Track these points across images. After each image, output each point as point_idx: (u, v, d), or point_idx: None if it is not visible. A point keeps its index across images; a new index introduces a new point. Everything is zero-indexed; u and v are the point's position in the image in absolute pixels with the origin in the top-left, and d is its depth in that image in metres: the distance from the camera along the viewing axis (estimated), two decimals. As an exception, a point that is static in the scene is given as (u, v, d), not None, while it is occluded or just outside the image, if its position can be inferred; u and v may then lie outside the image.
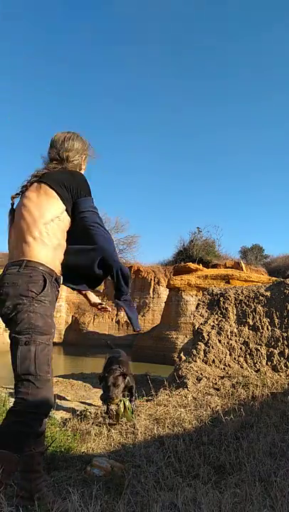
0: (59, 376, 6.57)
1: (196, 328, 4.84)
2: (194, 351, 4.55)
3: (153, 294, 23.00)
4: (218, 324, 4.71)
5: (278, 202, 60.59)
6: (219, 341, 4.56)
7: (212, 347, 4.51)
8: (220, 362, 4.41)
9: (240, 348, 4.48)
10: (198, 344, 4.58)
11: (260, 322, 4.55)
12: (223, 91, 67.65)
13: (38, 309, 1.83)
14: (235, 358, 4.43)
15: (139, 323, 2.30)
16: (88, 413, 3.42)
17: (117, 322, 22.65)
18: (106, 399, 3.21)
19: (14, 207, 2.10)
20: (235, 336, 4.58)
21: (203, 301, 5.08)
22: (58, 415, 3.46)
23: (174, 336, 17.51)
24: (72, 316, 24.06)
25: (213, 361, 4.42)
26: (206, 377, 4.11)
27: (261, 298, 4.68)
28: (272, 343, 4.40)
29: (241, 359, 4.40)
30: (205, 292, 5.28)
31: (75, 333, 23.06)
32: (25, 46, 62.71)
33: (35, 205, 1.99)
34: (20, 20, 61.78)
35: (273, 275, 21.19)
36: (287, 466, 2.17)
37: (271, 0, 65.73)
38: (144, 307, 22.82)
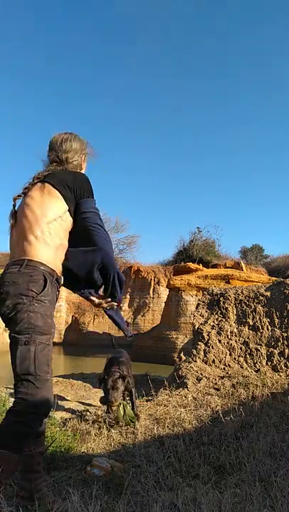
0: (59, 376, 6.57)
1: (196, 328, 4.84)
2: (194, 351, 4.55)
3: (153, 294, 22.99)
4: (218, 324, 4.71)
5: (278, 202, 60.63)
6: (219, 341, 4.56)
7: (212, 347, 4.51)
8: (220, 362, 4.42)
9: (240, 348, 4.48)
10: (198, 344, 4.58)
11: (260, 322, 4.55)
12: (223, 91, 67.75)
13: (38, 309, 1.83)
14: (235, 358, 4.43)
15: (129, 329, 2.30)
16: (88, 413, 3.42)
17: (117, 322, 22.61)
18: (105, 402, 3.19)
19: (16, 208, 2.10)
20: (235, 336, 4.58)
21: (203, 301, 5.09)
22: (58, 415, 3.46)
23: (174, 336, 17.50)
24: (72, 316, 24.06)
25: (213, 361, 4.42)
26: (206, 377, 4.11)
27: (261, 298, 4.68)
28: (272, 343, 4.40)
29: (241, 359, 4.40)
30: (205, 292, 5.28)
31: (75, 333, 23.06)
32: (26, 46, 62.74)
33: (38, 205, 1.99)
34: (21, 20, 61.83)
35: (273, 275, 21.18)
36: (287, 466, 2.17)
37: (271, 0, 65.73)
38: (144, 307, 22.82)
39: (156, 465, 2.34)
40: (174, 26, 66.21)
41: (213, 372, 4.25)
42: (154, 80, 64.26)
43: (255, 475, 2.11)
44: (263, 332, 4.49)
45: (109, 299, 2.15)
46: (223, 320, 4.71)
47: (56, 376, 6.25)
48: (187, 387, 3.92)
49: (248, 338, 4.51)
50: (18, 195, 2.09)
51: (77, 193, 2.03)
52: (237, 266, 21.26)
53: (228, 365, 4.37)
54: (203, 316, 4.90)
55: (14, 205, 2.09)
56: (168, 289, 19.44)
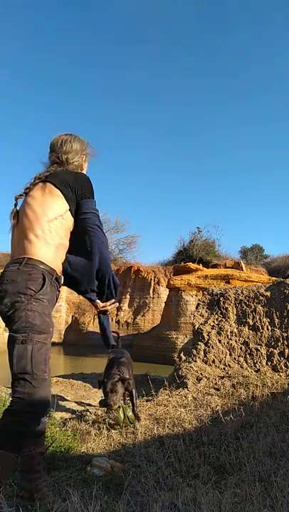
0: (59, 376, 6.56)
1: (196, 328, 4.84)
2: (194, 351, 4.55)
3: (153, 294, 22.98)
4: (218, 324, 4.71)
5: (278, 202, 60.66)
6: (219, 341, 4.56)
7: (212, 347, 4.51)
8: (220, 362, 4.41)
9: (240, 348, 4.48)
10: (198, 344, 4.58)
11: (260, 322, 4.55)
12: (223, 89, 67.72)
13: (36, 307, 1.83)
14: (235, 358, 4.43)
15: (113, 340, 2.33)
16: (88, 413, 3.41)
17: (117, 322, 22.63)
18: (104, 405, 3.16)
19: (18, 208, 2.10)
20: (235, 336, 4.58)
21: (203, 301, 5.08)
22: (58, 415, 3.46)
23: (174, 336, 17.50)
24: (72, 316, 24.06)
25: (213, 361, 4.42)
26: (206, 377, 4.11)
27: (261, 298, 4.68)
28: (272, 343, 4.40)
29: (241, 359, 4.40)
30: (205, 292, 5.28)
31: (75, 333, 23.05)
32: (26, 46, 62.74)
33: (39, 204, 2.00)
34: (21, 20, 61.83)
35: (273, 275, 21.19)
36: (287, 466, 2.17)
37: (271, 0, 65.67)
38: (144, 307, 22.81)
39: (156, 465, 2.34)
40: (174, 26, 66.24)
41: (213, 372, 4.25)
42: (154, 80, 64.40)
43: (255, 475, 2.11)
44: (263, 332, 4.49)
45: (113, 301, 2.17)
46: (223, 320, 4.71)
47: (56, 376, 6.25)
48: (187, 387, 3.92)
49: (248, 338, 4.51)
50: (20, 195, 2.09)
51: (79, 193, 2.04)
52: (237, 266, 21.26)
53: (228, 365, 4.37)
54: (203, 316, 4.90)
55: (16, 205, 2.09)
56: (168, 289, 19.45)
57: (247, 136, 65.57)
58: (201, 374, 4.19)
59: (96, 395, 4.63)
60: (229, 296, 4.84)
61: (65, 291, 20.55)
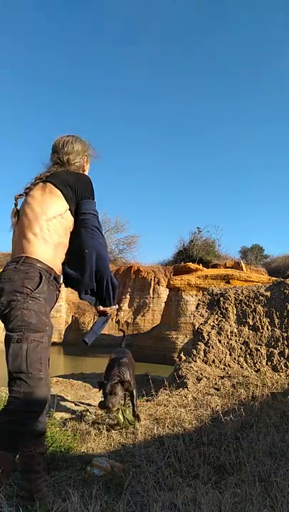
0: (59, 376, 6.56)
1: (196, 328, 4.84)
2: (194, 351, 4.55)
3: (153, 294, 23.00)
4: (218, 324, 4.71)
5: (278, 202, 60.69)
6: (219, 341, 4.56)
7: (212, 347, 4.51)
8: (220, 362, 4.41)
9: (240, 348, 4.48)
10: (198, 344, 4.58)
11: (260, 322, 4.55)
12: (223, 89, 67.70)
13: (31, 306, 1.82)
14: (235, 358, 4.43)
15: (92, 337, 2.34)
16: (88, 413, 3.41)
17: (117, 322, 22.64)
18: (103, 407, 3.13)
19: (18, 207, 2.11)
20: (235, 336, 4.58)
21: (203, 301, 5.08)
22: (58, 415, 3.45)
23: (174, 336, 17.52)
24: (72, 316, 24.07)
25: (213, 361, 4.42)
26: (206, 377, 4.11)
27: (261, 298, 4.68)
28: (272, 343, 4.40)
29: (241, 359, 4.40)
30: (205, 292, 5.28)
31: (75, 333, 23.05)
32: (26, 46, 62.72)
33: (38, 203, 2.00)
34: (21, 19, 61.79)
35: (273, 275, 21.21)
36: (287, 466, 2.17)
37: (271, 0, 65.67)
38: (144, 307, 22.83)
39: (156, 465, 2.34)
40: (174, 26, 66.18)
41: (213, 372, 4.25)
42: (154, 80, 64.36)
43: (255, 475, 2.11)
44: (263, 332, 4.49)
45: (114, 306, 2.19)
46: (223, 320, 4.71)
47: (56, 376, 6.24)
48: (187, 387, 3.92)
49: (248, 338, 4.51)
50: (20, 195, 2.10)
51: (79, 193, 2.04)
52: (237, 266, 21.27)
53: (228, 365, 4.37)
54: (203, 316, 4.90)
55: (16, 204, 2.09)
56: (168, 289, 19.47)
57: (247, 136, 65.58)
58: (201, 374, 4.19)
59: (96, 395, 4.63)
60: (229, 296, 4.84)
61: (65, 290, 20.54)
